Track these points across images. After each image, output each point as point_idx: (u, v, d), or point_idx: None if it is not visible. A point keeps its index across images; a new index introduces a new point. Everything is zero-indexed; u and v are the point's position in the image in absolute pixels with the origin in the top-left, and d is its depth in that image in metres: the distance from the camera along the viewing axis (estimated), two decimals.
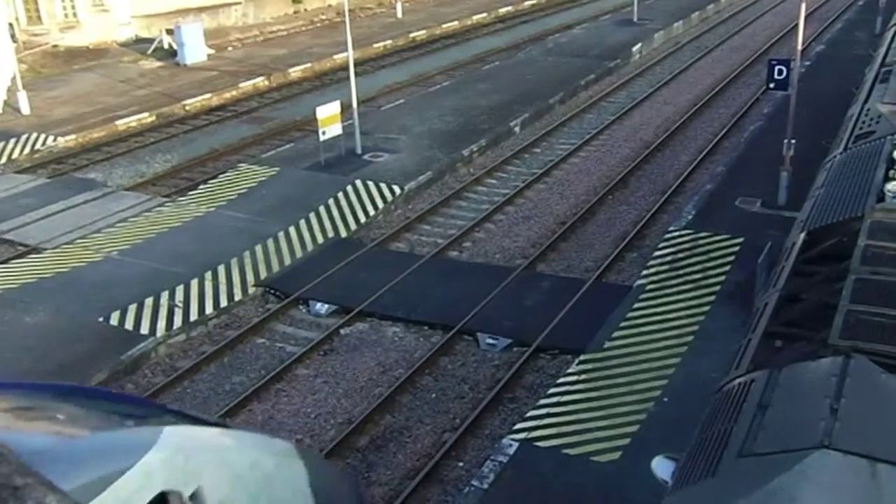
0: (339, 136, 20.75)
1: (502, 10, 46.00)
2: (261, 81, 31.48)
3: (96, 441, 3.33)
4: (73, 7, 36.73)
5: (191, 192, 20.29)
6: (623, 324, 13.34)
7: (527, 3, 48.17)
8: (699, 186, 19.08)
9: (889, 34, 17.72)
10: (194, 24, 36.09)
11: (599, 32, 37.37)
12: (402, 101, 27.72)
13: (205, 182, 20.99)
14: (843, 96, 16.55)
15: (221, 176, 21.25)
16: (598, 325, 13.29)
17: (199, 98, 29.02)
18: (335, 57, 33.84)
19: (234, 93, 30.09)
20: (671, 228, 16.66)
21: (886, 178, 8.76)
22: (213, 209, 18.80)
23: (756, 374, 5.81)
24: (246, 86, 30.77)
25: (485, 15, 44.66)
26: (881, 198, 8.27)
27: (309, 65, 33.65)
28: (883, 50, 16.22)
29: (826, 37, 35.46)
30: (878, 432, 4.69)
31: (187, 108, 28.31)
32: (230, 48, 38.57)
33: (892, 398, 4.98)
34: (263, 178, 20.59)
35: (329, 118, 20.25)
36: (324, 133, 20.26)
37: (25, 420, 3.52)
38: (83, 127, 25.85)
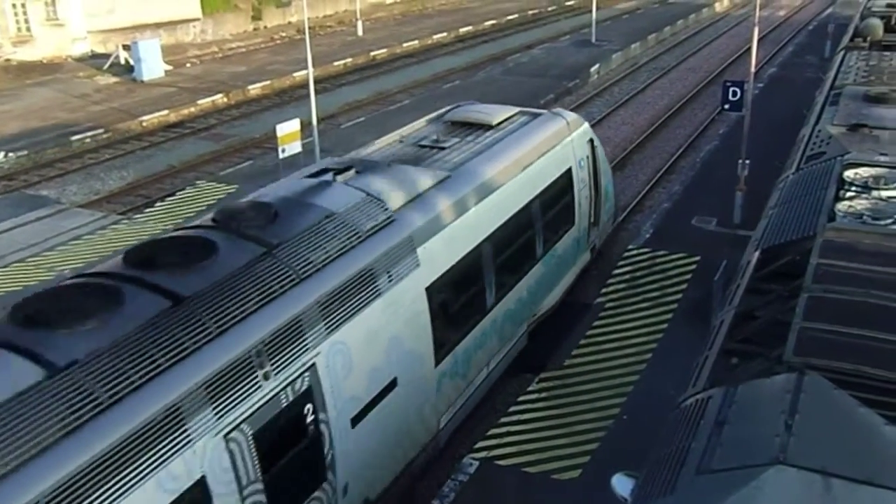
0: (298, 153, 20.60)
1: (462, 30, 46.35)
2: (219, 98, 31.25)
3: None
4: (26, 21, 36.16)
5: (147, 210, 20.01)
6: (583, 341, 13.40)
7: (487, 24, 48.62)
8: (657, 205, 19.32)
9: (838, 58, 18.20)
10: (152, 40, 35.74)
11: (558, 53, 37.84)
12: (362, 118, 27.70)
13: (162, 199, 20.71)
14: (795, 118, 16.93)
15: (179, 193, 20.99)
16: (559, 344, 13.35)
17: (157, 114, 28.69)
18: (295, 74, 33.76)
19: (192, 109, 29.81)
20: (630, 247, 16.82)
21: (837, 198, 8.97)
22: (170, 227, 18.54)
23: (713, 390, 5.87)
24: (204, 102, 30.50)
25: (445, 34, 44.95)
26: (832, 217, 8.46)
27: (268, 82, 33.50)
28: (832, 73, 16.65)
29: (778, 60, 36.33)
30: (831, 448, 4.76)
31: (144, 124, 27.97)
32: (188, 64, 38.23)
33: (845, 414, 5.06)
34: (222, 196, 20.38)
35: (289, 135, 20.08)
36: (283, 150, 20.06)
37: None
38: (36, 143, 25.39)
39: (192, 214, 19.22)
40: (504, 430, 11.32)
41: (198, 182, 21.79)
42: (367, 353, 8.66)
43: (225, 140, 26.29)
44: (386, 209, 9.65)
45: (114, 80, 34.30)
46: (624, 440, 10.83)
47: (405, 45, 41.87)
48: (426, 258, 9.74)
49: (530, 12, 53.29)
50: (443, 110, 14.24)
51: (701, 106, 29.22)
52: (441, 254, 10.06)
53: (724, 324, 7.33)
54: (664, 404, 7.06)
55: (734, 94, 18.26)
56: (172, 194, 20.98)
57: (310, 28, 23.61)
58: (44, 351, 6.19)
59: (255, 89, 32.69)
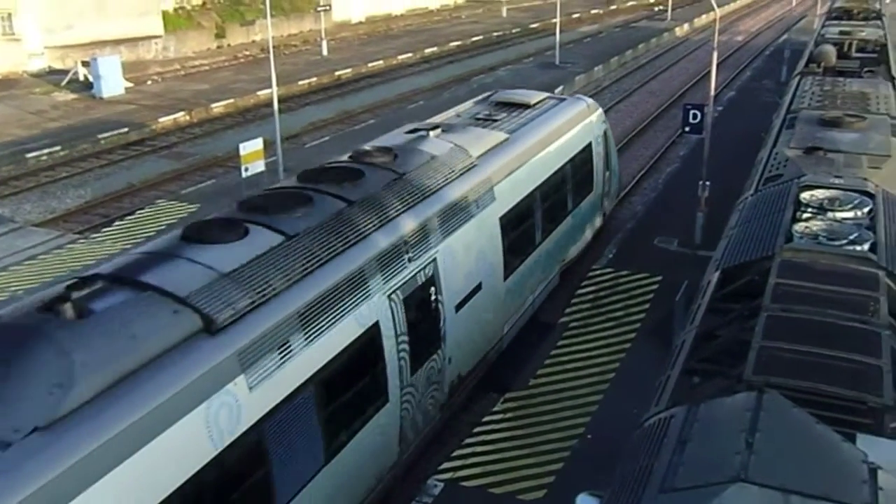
0: (261, 172, 20.48)
1: (428, 51, 46.61)
2: (181, 116, 30.99)
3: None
4: None
5: (105, 229, 19.69)
6: (547, 361, 13.44)
7: (452, 45, 48.96)
8: (620, 226, 19.51)
9: (794, 82, 18.62)
10: (112, 57, 35.40)
11: (523, 74, 38.19)
12: (327, 138, 27.65)
13: (120, 218, 20.41)
14: (754, 140, 17.24)
15: (138, 212, 20.71)
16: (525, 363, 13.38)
17: (116, 132, 28.35)
18: (259, 93, 33.61)
19: (153, 127, 29.52)
20: (593, 267, 16.95)
21: (794, 220, 9.14)
22: (128, 246, 18.26)
23: (675, 409, 5.91)
24: (166, 120, 30.22)
25: (410, 55, 45.16)
26: (790, 238, 8.61)
27: (232, 100, 33.33)
28: (789, 97, 17.02)
29: (737, 83, 37.07)
30: (790, 465, 4.82)
31: (103, 141, 27.59)
32: (150, 82, 37.90)
33: (803, 431, 5.12)
34: (183, 215, 20.14)
35: (252, 154, 19.98)
36: (246, 170, 19.94)
37: None
38: None
39: (152, 234, 18.97)
40: (469, 450, 11.28)
41: (158, 201, 21.53)
42: (464, 260, 11.50)
43: (187, 158, 26.05)
44: (470, 156, 12.48)
45: (72, 96, 33.85)
46: (588, 460, 10.84)
47: (370, 64, 41.97)
48: (499, 195, 12.64)
49: (495, 34, 53.78)
50: (485, 94, 17.18)
51: (662, 128, 29.67)
52: (509, 194, 12.98)
53: (685, 343, 7.41)
54: (628, 423, 7.09)
55: (694, 116, 18.58)
56: (132, 213, 20.70)
57: (274, 47, 23.58)
58: (280, 226, 8.99)
59: (218, 108, 32.49)
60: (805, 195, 9.71)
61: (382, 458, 9.77)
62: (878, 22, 28.16)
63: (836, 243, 8.40)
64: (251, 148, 20.01)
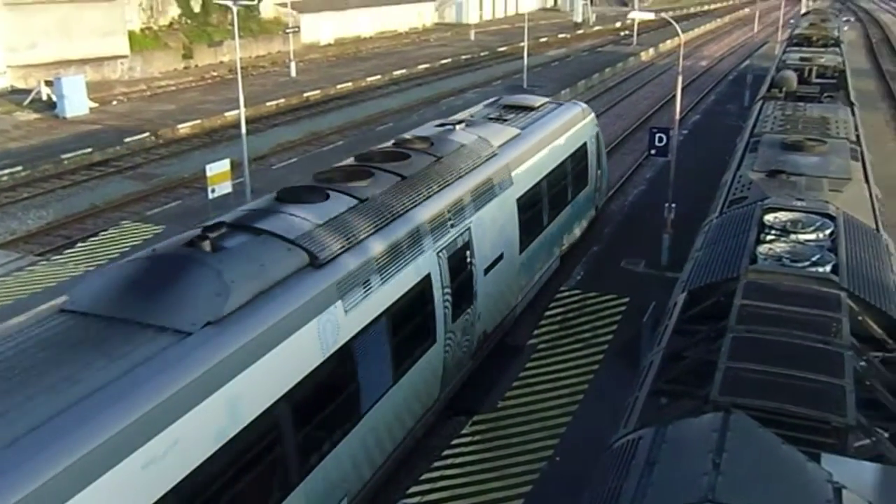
0: (228, 193, 20.33)
1: (396, 73, 46.79)
2: (147, 137, 30.70)
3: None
4: None
5: (67, 251, 19.37)
6: (516, 383, 13.42)
7: (420, 67, 49.20)
8: (587, 247, 19.62)
9: (757, 107, 18.95)
10: (76, 76, 35.03)
11: (491, 97, 38.39)
12: (294, 159, 27.55)
13: (83, 240, 20.08)
14: (718, 163, 17.48)
15: (102, 234, 20.40)
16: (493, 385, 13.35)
17: (79, 152, 27.98)
18: (226, 114, 33.44)
19: (117, 147, 29.18)
20: (561, 288, 17.01)
21: (758, 241, 9.26)
22: (91, 269, 17.98)
23: (643, 431, 5.92)
24: (131, 141, 29.92)
25: (379, 77, 45.29)
26: (754, 260, 8.72)
27: (199, 121, 33.12)
28: (752, 121, 17.32)
29: (701, 107, 37.66)
30: (757, 485, 4.84)
31: (66, 162, 27.21)
32: (115, 102, 37.56)
33: (769, 451, 5.16)
34: (148, 237, 19.90)
35: (219, 175, 19.83)
36: (213, 191, 19.78)
37: None
38: None
39: (115, 255, 18.70)
40: (437, 474, 11.19)
41: (122, 222, 21.25)
42: (490, 233, 13.47)
43: (152, 179, 25.78)
44: (491, 146, 14.52)
45: (35, 116, 33.41)
46: (557, 482, 10.82)
47: (339, 86, 42.01)
48: (516, 180, 14.73)
49: (463, 57, 54.17)
50: (493, 99, 19.55)
51: (629, 151, 29.99)
52: (523, 179, 15.05)
53: (653, 364, 7.44)
54: (597, 445, 7.09)
55: (660, 139, 18.83)
56: (95, 235, 20.38)
57: (242, 68, 23.51)
58: (352, 192, 11.03)
59: (184, 128, 32.25)
60: (769, 217, 9.85)
61: (431, 387, 11.86)
62: (837, 49, 28.81)
63: (800, 265, 8.52)
64: (218, 169, 19.86)
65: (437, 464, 11.43)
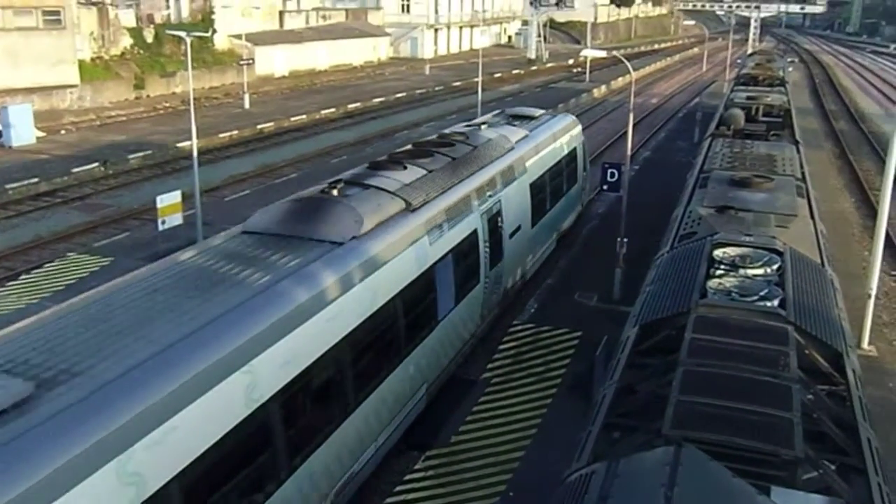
0: (179, 225, 20.05)
1: (351, 106, 46.91)
2: (96, 167, 30.18)
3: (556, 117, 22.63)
4: None
5: (10, 283, 18.83)
6: (469, 418, 13.33)
7: (375, 101, 49.43)
8: (541, 281, 19.71)
9: (706, 143, 19.37)
10: (23, 105, 34.47)
11: (444, 129, 38.63)
12: (247, 191, 27.33)
13: (27, 272, 19.56)
14: (669, 198, 17.77)
15: (47, 265, 19.90)
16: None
17: (25, 182, 27.39)
18: (178, 145, 33.10)
19: (65, 178, 28.63)
20: (514, 322, 17.03)
21: (708, 276, 9.38)
22: (35, 301, 17.49)
23: (596, 465, 5.90)
24: (79, 171, 29.39)
25: (334, 110, 45.35)
26: (704, 294, 8.82)
27: (150, 152, 32.70)
28: (701, 158, 17.68)
29: (652, 144, 38.41)
30: None
31: (10, 192, 26.58)
32: (63, 131, 36.97)
33: (720, 485, 5.17)
34: (95, 269, 19.47)
35: (170, 207, 19.56)
36: (163, 222, 19.50)
37: None
38: None
39: (61, 288, 18.24)
40: None
41: (68, 254, 20.77)
42: (513, 206, 16.92)
43: (101, 210, 25.28)
44: (510, 141, 18.16)
45: None
46: None
47: (293, 119, 41.94)
48: (528, 169, 18.25)
49: (418, 91, 54.58)
50: (499, 110, 23.41)
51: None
52: (533, 169, 18.61)
53: (605, 398, 7.45)
54: (550, 480, 7.04)
55: (612, 175, 19.10)
56: (39, 266, 19.87)
57: (195, 99, 23.32)
58: (423, 165, 14.33)
59: (135, 159, 31.80)
60: (718, 252, 10.00)
61: (475, 316, 15.26)
62: (783, 88, 29.70)
63: (748, 299, 8.65)
64: (169, 200, 19.60)
65: (389, 500, 11.26)
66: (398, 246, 11.85)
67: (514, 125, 20.18)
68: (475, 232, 14.70)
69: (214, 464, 7.69)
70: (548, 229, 20.02)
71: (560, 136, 21.37)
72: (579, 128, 23.44)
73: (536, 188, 18.64)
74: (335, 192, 12.28)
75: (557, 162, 20.67)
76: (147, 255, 20.01)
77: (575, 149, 22.57)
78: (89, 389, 6.93)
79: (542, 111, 22.85)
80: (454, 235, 13.73)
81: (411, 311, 12.13)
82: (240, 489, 8.25)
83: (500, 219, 16.05)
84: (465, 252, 14.26)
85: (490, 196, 15.63)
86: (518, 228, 17.25)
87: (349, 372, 10.35)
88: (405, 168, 14.02)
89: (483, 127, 18.83)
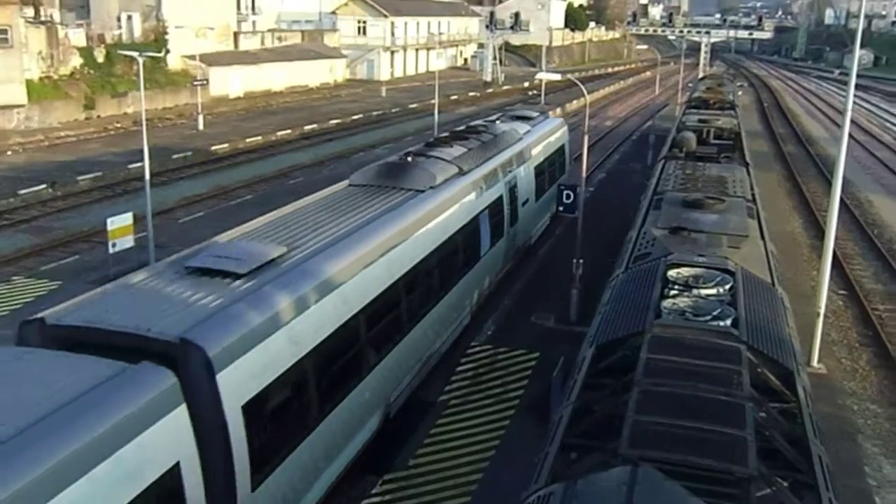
0: (131, 248, 19.69)
1: (307, 128, 46.74)
2: (43, 189, 29.53)
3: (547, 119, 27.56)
4: None
5: None
6: (427, 440, 13.25)
7: (332, 122, 49.34)
8: (498, 302, 19.76)
9: (659, 166, 19.67)
10: None
11: (402, 151, 38.66)
12: (201, 213, 27.00)
13: None
14: (624, 219, 17.99)
15: None
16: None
17: None
18: (130, 166, 32.57)
19: (10, 199, 27.96)
20: (472, 344, 17.02)
21: (662, 296, 9.48)
22: None
23: (554, 486, 5.89)
24: (26, 193, 28.74)
25: (290, 131, 45.14)
26: (659, 314, 8.91)
27: (100, 173, 32.13)
28: (654, 180, 17.94)
29: (606, 166, 38.89)
30: None
31: None
32: (10, 152, 36.23)
33: None
34: (42, 293, 19.00)
35: (121, 229, 19.22)
36: (114, 245, 19.14)
37: None
38: None
39: (5, 313, 17.76)
40: None
41: (13, 278, 20.24)
42: (523, 183, 21.49)
43: (48, 233, 24.67)
44: (518, 133, 22.69)
45: None
46: None
47: (248, 140, 41.63)
48: (533, 156, 22.91)
49: (374, 113, 54.63)
50: (501, 113, 28.40)
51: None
52: (536, 156, 23.28)
53: (563, 419, 7.45)
54: (508, 501, 7.01)
55: (567, 197, 19.29)
56: None
57: (148, 120, 23.03)
58: (464, 144, 19.08)
59: (84, 180, 31.20)
60: (672, 273, 10.12)
61: (499, 265, 19.91)
62: (732, 112, 30.34)
63: (702, 319, 8.76)
64: (120, 223, 19.26)
65: None
66: (458, 196, 16.66)
67: (519, 122, 24.97)
68: (501, 197, 19.48)
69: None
70: (546, 206, 24.18)
71: (553, 133, 26.23)
72: (566, 127, 28.02)
73: (538, 171, 23.38)
74: (410, 159, 17.18)
75: (552, 153, 25.42)
76: (97, 278, 19.57)
77: (563, 144, 27.20)
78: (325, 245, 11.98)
79: (537, 113, 27.61)
80: (489, 196, 18.53)
81: (468, 243, 17.05)
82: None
83: (515, 190, 20.74)
84: (495, 210, 19.04)
85: (509, 172, 20.37)
86: (527, 201, 22.00)
87: (435, 277, 15.12)
88: (451, 146, 18.67)
89: (498, 121, 24.39)
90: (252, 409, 8.72)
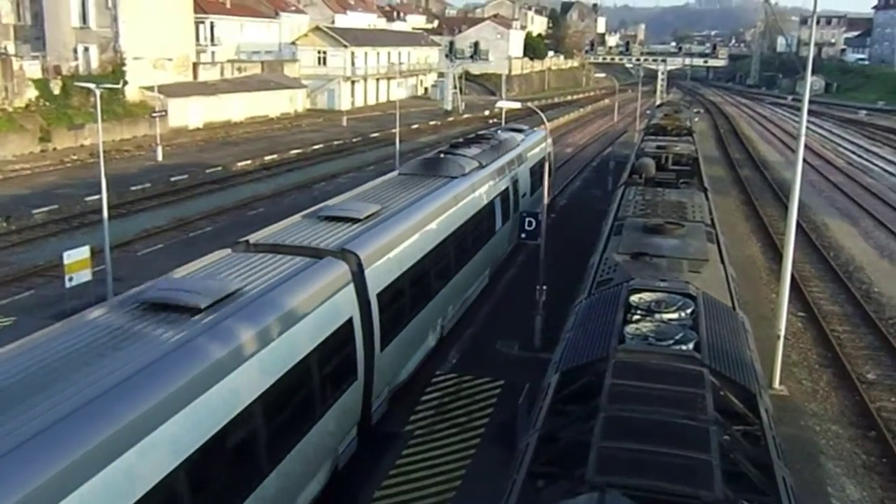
0: (88, 282, 19.32)
1: (267, 158, 46.52)
2: None
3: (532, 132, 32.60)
4: None
5: None
6: (392, 471, 13.09)
7: (292, 152, 49.18)
8: (462, 331, 19.71)
9: (619, 192, 19.87)
10: None
11: (364, 182, 38.61)
12: (161, 245, 26.64)
13: None
14: (586, 245, 18.10)
15: None
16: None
17: None
18: (87, 199, 32.05)
19: None
20: (437, 373, 16.92)
21: (625, 321, 9.51)
22: None
23: None
24: None
25: (250, 162, 44.88)
26: (622, 339, 8.92)
27: (56, 206, 31.57)
28: (615, 206, 18.09)
29: (568, 192, 39.22)
30: None
31: None
32: None
33: None
34: None
35: (78, 263, 18.86)
36: (71, 279, 18.76)
37: None
38: None
39: None
40: None
41: None
42: (522, 180, 26.83)
43: (2, 268, 24.12)
44: (517, 139, 28.27)
45: None
46: None
47: (208, 171, 41.29)
48: (527, 159, 27.95)
49: (335, 143, 54.60)
50: (494, 128, 33.40)
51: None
52: (531, 159, 28.42)
53: (529, 447, 7.40)
54: None
55: (530, 224, 19.38)
56: None
57: (106, 152, 22.73)
58: (480, 145, 24.97)
59: (40, 214, 30.64)
60: (634, 298, 10.17)
61: (506, 240, 24.54)
62: (690, 138, 30.84)
63: (665, 343, 8.79)
64: (77, 256, 18.91)
65: None
66: (480, 183, 21.64)
67: (514, 132, 30.31)
68: (508, 188, 24.49)
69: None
70: (538, 200, 28.09)
71: (541, 143, 30.54)
72: (550, 139, 32.07)
73: (532, 171, 28.26)
74: (442, 156, 22.30)
75: (541, 157, 28.91)
76: (53, 314, 19.15)
77: (549, 151, 31.29)
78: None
79: (527, 127, 33.37)
80: (500, 185, 23.67)
81: (488, 215, 22.08)
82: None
83: (517, 183, 25.81)
84: (505, 197, 24.06)
85: (512, 170, 25.37)
86: (525, 195, 26.98)
87: (468, 241, 20.03)
88: (470, 147, 24.14)
89: (499, 131, 30.06)
90: (381, 297, 13.88)
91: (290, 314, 10.82)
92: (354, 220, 15.05)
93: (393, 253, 14.75)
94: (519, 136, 28.28)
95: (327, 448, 12.11)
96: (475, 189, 20.94)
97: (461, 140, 26.69)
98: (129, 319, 9.78)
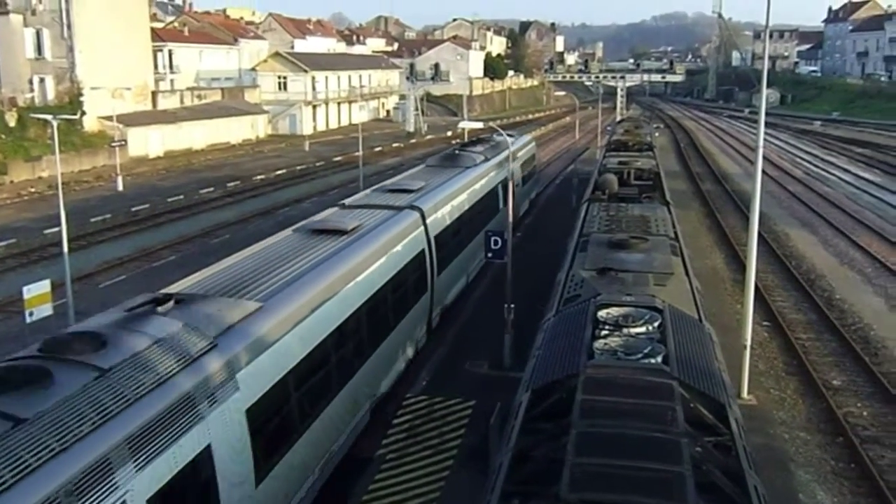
0: (49, 316, 18.91)
1: (230, 185, 46.20)
2: None
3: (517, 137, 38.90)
4: None
5: None
6: (365, 497, 12.94)
7: (255, 178, 48.90)
8: (431, 352, 19.63)
9: (583, 209, 20.01)
10: None
11: (329, 205, 38.50)
12: (123, 276, 26.26)
13: None
14: (552, 262, 18.17)
15: None
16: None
17: None
18: (46, 232, 31.47)
19: None
20: (408, 395, 16.81)
21: (594, 337, 9.54)
22: None
23: None
24: None
25: (212, 189, 44.52)
26: (591, 355, 8.95)
27: (14, 240, 30.98)
28: (580, 222, 18.21)
29: (533, 210, 39.39)
30: None
31: None
32: None
33: None
34: None
35: (37, 298, 18.42)
36: (31, 314, 18.32)
37: None
38: None
39: None
40: None
41: None
42: (516, 172, 32.53)
43: None
44: (508, 144, 27.32)
45: None
46: None
47: (169, 199, 40.87)
48: (518, 157, 34.13)
49: (298, 168, 54.42)
50: (486, 135, 36.82)
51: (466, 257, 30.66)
52: (521, 157, 35.82)
53: (502, 466, 7.36)
54: None
55: (496, 243, 19.39)
56: None
57: (65, 183, 22.39)
58: (481, 148, 31.78)
59: None
60: (602, 313, 10.21)
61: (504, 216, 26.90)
62: (651, 153, 31.22)
63: (633, 357, 8.83)
64: (37, 290, 18.47)
65: None
66: (487, 171, 27.79)
67: (504, 138, 31.50)
68: (506, 178, 26.97)
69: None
70: (527, 192, 37.08)
71: (528, 145, 38.56)
72: (534, 143, 40.50)
73: (523, 167, 35.04)
74: (457, 152, 28.59)
75: (529, 157, 37.63)
76: (13, 348, 18.69)
77: (534, 154, 39.74)
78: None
79: (515, 132, 39.88)
80: (500, 175, 29.05)
81: (492, 199, 27.69)
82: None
83: (513, 177, 27.47)
84: (504, 185, 28.07)
85: (507, 164, 27.81)
86: (518, 184, 32.11)
87: (478, 218, 25.38)
88: (476, 146, 30.01)
89: (493, 135, 33.98)
90: (437, 239, 20.09)
91: (394, 239, 17.17)
92: (412, 190, 21.33)
93: (439, 212, 21.10)
94: (510, 139, 31.33)
95: (413, 333, 18.41)
96: (484, 176, 27.57)
97: (469, 140, 36.38)
98: (302, 239, 15.71)
